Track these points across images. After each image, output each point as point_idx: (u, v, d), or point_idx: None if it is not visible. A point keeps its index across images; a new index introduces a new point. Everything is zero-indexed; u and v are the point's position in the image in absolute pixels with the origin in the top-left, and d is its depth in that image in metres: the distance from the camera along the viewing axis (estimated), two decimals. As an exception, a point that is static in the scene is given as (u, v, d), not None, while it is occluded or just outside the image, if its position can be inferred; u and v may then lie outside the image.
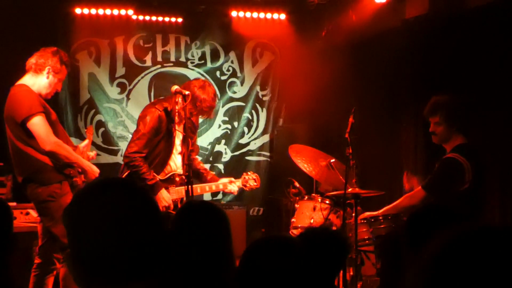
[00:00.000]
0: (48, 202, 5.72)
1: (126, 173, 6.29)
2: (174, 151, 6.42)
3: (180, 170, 6.47)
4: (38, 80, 5.85)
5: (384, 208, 6.02)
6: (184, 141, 6.43)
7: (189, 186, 5.87)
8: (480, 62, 7.17)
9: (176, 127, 6.38)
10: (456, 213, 3.34)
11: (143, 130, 6.26)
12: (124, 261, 1.88)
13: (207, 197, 10.09)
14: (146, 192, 2.02)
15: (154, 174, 6.26)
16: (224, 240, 3.10)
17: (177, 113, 6.37)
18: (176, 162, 6.48)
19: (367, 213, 6.20)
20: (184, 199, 6.12)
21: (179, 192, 6.39)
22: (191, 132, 6.47)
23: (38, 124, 5.63)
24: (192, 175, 6.28)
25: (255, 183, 6.89)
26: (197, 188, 6.40)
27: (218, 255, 3.03)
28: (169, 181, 6.40)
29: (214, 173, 7.10)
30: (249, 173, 6.95)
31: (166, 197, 6.25)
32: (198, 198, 6.52)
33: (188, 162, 5.96)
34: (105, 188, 1.98)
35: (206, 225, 3.07)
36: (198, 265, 2.97)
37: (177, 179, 6.43)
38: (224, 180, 6.78)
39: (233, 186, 6.72)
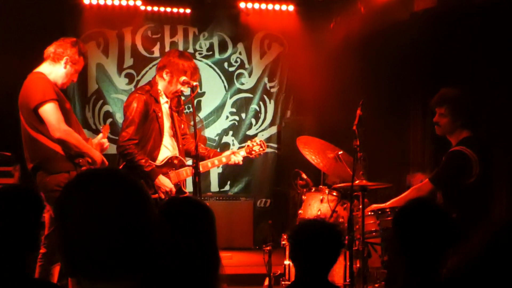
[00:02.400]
0: (55, 191, 5.72)
1: (123, 165, 6.23)
2: (166, 133, 6.30)
3: (175, 152, 6.36)
4: (55, 69, 5.87)
5: (392, 201, 6.01)
6: (176, 128, 6.36)
7: (197, 178, 5.84)
8: (488, 55, 7.15)
9: (163, 108, 6.28)
10: (442, 208, 3.39)
11: (131, 117, 6.16)
12: (110, 254, 1.83)
13: (214, 188, 10.12)
14: (137, 183, 1.95)
15: (150, 161, 6.18)
16: (207, 235, 3.09)
17: (160, 94, 6.28)
18: (171, 145, 6.34)
19: (374, 205, 6.19)
20: (189, 180, 6.03)
21: (180, 174, 6.26)
22: (178, 114, 6.37)
23: (49, 111, 5.64)
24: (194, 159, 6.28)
25: (261, 149, 6.67)
26: (199, 166, 6.32)
27: (202, 250, 3.01)
28: (168, 165, 6.26)
29: (215, 150, 6.88)
30: (253, 139, 6.73)
31: (166, 182, 6.14)
32: (202, 176, 6.30)
33: (196, 154, 5.92)
34: (95, 178, 1.92)
35: (189, 220, 3.06)
36: (182, 260, 2.96)
37: (176, 161, 6.26)
38: (227, 153, 6.58)
39: (237, 156, 6.51)
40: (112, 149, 9.19)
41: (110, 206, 1.85)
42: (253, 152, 6.61)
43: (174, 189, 6.18)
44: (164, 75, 6.21)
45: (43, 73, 5.81)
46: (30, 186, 5.11)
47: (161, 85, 6.24)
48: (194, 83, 6.09)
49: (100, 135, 6.31)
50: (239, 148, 6.57)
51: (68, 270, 1.90)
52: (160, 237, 1.97)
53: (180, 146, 6.34)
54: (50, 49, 5.92)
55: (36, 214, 3.13)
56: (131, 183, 1.94)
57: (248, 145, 6.63)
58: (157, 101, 6.19)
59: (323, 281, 3.57)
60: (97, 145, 6.14)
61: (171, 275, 2.93)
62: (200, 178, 5.81)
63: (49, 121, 5.63)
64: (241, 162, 6.57)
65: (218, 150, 10.15)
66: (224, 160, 6.45)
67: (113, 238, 1.84)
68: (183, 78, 6.19)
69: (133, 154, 6.07)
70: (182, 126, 6.33)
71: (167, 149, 6.28)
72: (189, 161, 6.39)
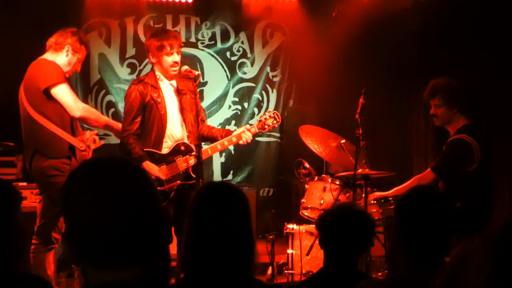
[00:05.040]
0: (55, 176, 5.72)
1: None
2: (170, 119, 6.14)
3: (183, 137, 6.22)
4: (58, 58, 5.92)
5: (395, 189, 6.02)
6: (184, 111, 6.25)
7: (199, 168, 5.81)
8: (493, 44, 7.12)
9: (165, 93, 6.20)
10: (443, 195, 3.41)
11: (126, 108, 6.15)
12: (116, 242, 1.83)
13: (216, 177, 10.12)
14: (143, 172, 1.96)
15: (139, 150, 5.97)
16: (243, 221, 3.10)
17: (159, 79, 6.18)
18: (178, 130, 6.15)
19: (378, 193, 6.20)
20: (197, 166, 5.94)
21: (187, 160, 6.12)
22: (184, 94, 6.25)
23: (64, 92, 5.70)
24: (208, 140, 6.25)
25: (275, 121, 6.36)
26: (208, 150, 6.14)
27: (238, 237, 3.03)
28: (175, 153, 6.14)
29: (228, 129, 6.68)
30: (266, 113, 6.44)
31: (151, 169, 5.91)
32: (205, 165, 6.16)
33: (198, 143, 5.89)
34: (100, 166, 1.92)
35: (226, 206, 3.07)
36: (218, 247, 2.98)
37: (182, 148, 6.10)
38: (239, 130, 6.30)
39: (247, 134, 6.22)
40: (115, 139, 9.20)
41: (116, 194, 1.85)
42: (266, 126, 6.35)
43: (163, 176, 6.07)
44: (152, 59, 6.18)
45: (49, 60, 5.87)
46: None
47: (157, 69, 6.18)
48: (196, 72, 6.06)
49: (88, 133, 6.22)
50: (251, 125, 6.39)
51: (74, 258, 1.89)
52: (165, 225, 1.97)
53: (189, 129, 6.20)
54: (52, 40, 5.99)
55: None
56: (137, 171, 1.94)
57: (260, 120, 6.37)
58: (155, 87, 6.12)
59: (353, 269, 3.57)
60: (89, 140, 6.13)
61: (210, 260, 2.95)
62: (202, 167, 5.78)
63: (66, 101, 5.70)
64: (249, 140, 6.27)
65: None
66: (234, 140, 6.22)
67: (119, 226, 1.84)
68: (185, 67, 6.14)
69: (126, 144, 6.03)
70: (199, 108, 6.23)
71: (174, 135, 6.18)
72: (205, 145, 6.27)
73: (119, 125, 6.05)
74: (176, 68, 6.12)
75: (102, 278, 1.85)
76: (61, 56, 5.93)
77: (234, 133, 6.23)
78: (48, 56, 5.91)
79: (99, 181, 1.87)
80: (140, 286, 1.88)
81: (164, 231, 1.95)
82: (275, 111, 6.45)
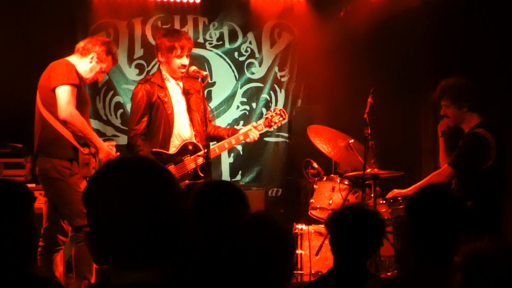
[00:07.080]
0: (55, 179, 5.73)
1: None
2: (177, 119, 6.16)
3: (191, 136, 6.18)
4: (81, 63, 5.93)
5: (413, 186, 5.98)
6: (191, 111, 6.22)
7: (208, 167, 5.80)
8: (501, 42, 7.09)
9: (172, 92, 6.16)
10: (454, 194, 3.39)
11: (133, 108, 6.14)
12: (140, 243, 1.83)
13: (225, 177, 10.11)
14: (167, 172, 1.95)
15: (147, 153, 5.94)
16: (242, 218, 3.09)
17: (166, 78, 6.16)
18: (185, 130, 6.19)
19: (396, 191, 6.17)
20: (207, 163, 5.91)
21: (195, 160, 6.12)
22: (190, 94, 6.22)
23: (64, 92, 5.68)
24: (215, 140, 6.21)
25: (281, 118, 6.42)
26: (215, 148, 6.15)
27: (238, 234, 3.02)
28: (182, 152, 6.14)
29: (233, 128, 6.66)
30: (272, 109, 6.50)
31: None
32: (213, 165, 6.11)
33: (207, 142, 5.88)
34: (124, 167, 1.91)
35: (225, 204, 3.06)
36: (217, 246, 2.97)
37: (190, 147, 6.13)
38: (245, 128, 6.36)
39: (254, 132, 6.26)
40: (123, 140, 9.19)
41: (139, 194, 1.85)
42: (272, 123, 6.38)
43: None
44: (160, 58, 6.18)
45: (70, 62, 5.88)
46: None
47: (164, 69, 6.17)
48: (204, 73, 6.05)
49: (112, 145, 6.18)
50: (257, 123, 6.37)
51: (97, 258, 1.90)
52: (188, 225, 1.96)
53: (196, 128, 6.18)
54: (81, 44, 6.04)
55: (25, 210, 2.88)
56: (160, 171, 1.93)
57: (266, 117, 6.41)
58: (162, 87, 6.10)
59: (362, 270, 3.55)
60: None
61: (206, 259, 2.94)
62: (211, 167, 5.77)
63: (59, 101, 5.67)
64: (257, 138, 6.32)
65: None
66: (241, 138, 6.25)
67: (142, 227, 1.83)
68: (192, 68, 6.14)
69: (134, 145, 6.01)
70: (207, 108, 6.18)
71: (181, 134, 6.15)
72: (212, 145, 6.25)
73: (104, 147, 5.87)
74: (184, 70, 6.12)
75: (125, 279, 1.86)
76: (84, 62, 5.94)
77: (241, 132, 6.25)
78: (72, 58, 5.93)
79: (122, 181, 1.87)
80: (163, 287, 1.87)
81: (187, 232, 1.94)
82: (281, 108, 6.45)
